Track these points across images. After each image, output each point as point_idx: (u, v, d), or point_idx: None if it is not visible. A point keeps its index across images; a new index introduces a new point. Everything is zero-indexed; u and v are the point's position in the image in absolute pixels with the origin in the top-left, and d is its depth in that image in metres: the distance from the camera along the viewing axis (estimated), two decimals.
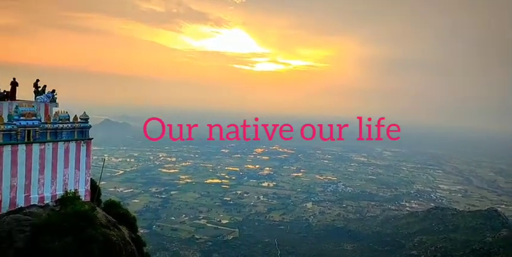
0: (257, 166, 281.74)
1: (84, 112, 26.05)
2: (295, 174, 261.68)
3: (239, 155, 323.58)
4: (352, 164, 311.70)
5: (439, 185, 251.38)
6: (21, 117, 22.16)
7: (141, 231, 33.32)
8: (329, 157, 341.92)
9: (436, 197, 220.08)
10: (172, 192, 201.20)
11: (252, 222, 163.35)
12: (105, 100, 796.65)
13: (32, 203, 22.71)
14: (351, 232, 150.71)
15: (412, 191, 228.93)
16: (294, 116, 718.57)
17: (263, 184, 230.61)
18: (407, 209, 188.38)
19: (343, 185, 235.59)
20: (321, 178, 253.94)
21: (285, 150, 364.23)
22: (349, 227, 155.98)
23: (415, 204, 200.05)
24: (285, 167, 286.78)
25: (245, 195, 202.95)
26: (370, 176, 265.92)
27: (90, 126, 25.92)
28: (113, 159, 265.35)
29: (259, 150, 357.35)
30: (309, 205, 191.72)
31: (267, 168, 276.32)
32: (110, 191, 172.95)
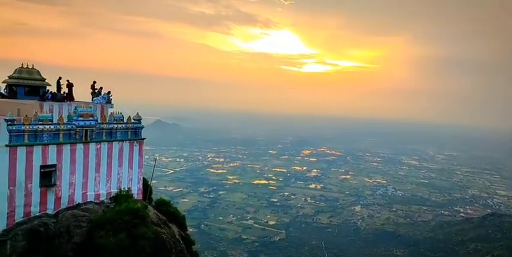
0: (304, 168, 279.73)
1: (137, 113, 26.94)
2: (344, 176, 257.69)
3: (286, 157, 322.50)
4: (402, 167, 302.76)
5: (497, 191, 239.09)
6: (80, 118, 23.23)
7: (190, 230, 33.89)
8: (378, 159, 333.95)
9: (493, 203, 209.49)
10: (220, 192, 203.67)
11: (299, 224, 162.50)
12: (156, 101, 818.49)
13: (88, 200, 23.76)
14: (401, 236, 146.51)
15: (466, 197, 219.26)
16: (342, 117, 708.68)
17: (310, 186, 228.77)
18: (462, 215, 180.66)
19: (393, 188, 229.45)
20: (370, 180, 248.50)
21: (333, 152, 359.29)
22: (399, 232, 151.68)
23: (470, 210, 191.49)
24: (333, 169, 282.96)
25: (292, 197, 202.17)
26: (421, 180, 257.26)
27: (142, 127, 26.76)
28: (164, 159, 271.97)
29: (307, 152, 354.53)
30: (357, 208, 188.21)
31: (315, 170, 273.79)
32: (160, 190, 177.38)
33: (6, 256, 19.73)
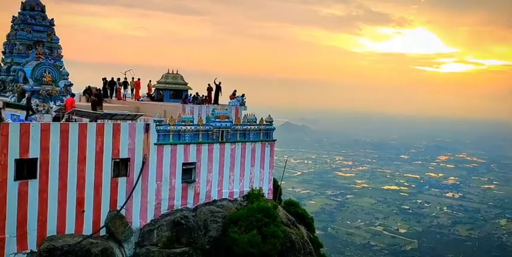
0: (440, 175, 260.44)
1: (269, 115, 27.86)
2: (486, 185, 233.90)
3: (420, 162, 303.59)
4: None
5: None
6: (217, 119, 24.85)
7: (317, 232, 33.94)
8: None
9: None
10: (347, 196, 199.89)
11: (433, 234, 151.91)
12: (286, 103, 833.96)
13: (223, 197, 25.25)
14: None
15: None
16: (485, 120, 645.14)
17: (447, 194, 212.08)
18: None
19: None
20: None
21: (474, 159, 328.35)
22: None
23: None
24: (474, 177, 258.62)
25: (426, 205, 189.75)
26: None
27: (274, 129, 27.60)
28: (292, 160, 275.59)
29: (443, 157, 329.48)
30: (503, 221, 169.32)
31: (452, 177, 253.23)
32: (288, 190, 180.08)
33: (153, 243, 21.97)
